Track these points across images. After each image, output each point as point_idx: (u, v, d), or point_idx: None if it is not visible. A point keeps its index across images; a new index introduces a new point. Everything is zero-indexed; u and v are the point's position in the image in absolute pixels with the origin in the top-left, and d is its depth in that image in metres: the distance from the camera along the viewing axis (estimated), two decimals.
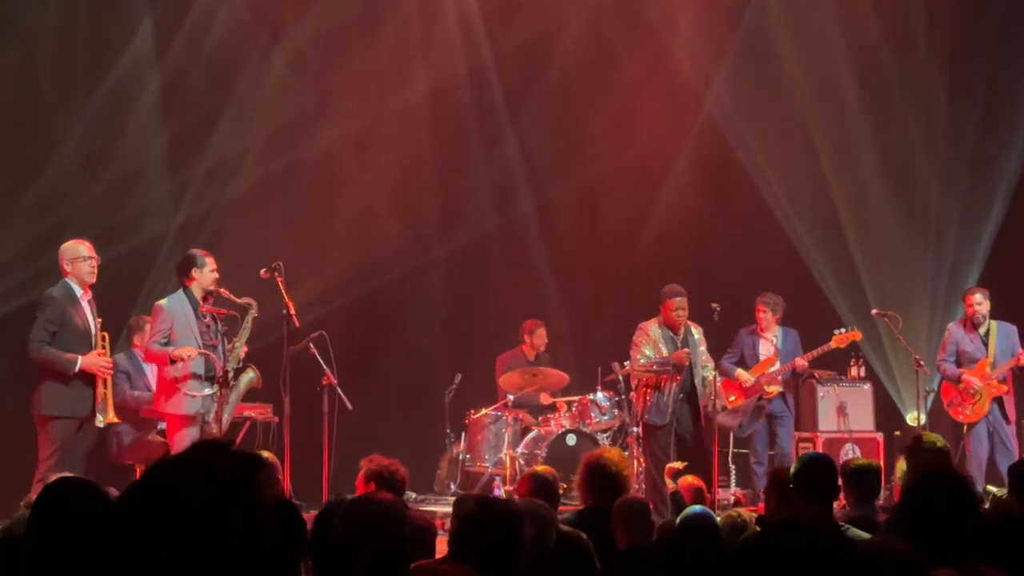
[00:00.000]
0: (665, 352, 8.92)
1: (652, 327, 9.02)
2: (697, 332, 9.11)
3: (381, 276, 11.12)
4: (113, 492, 7.35)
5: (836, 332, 9.90)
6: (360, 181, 11.06)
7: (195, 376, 7.66)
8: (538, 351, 10.84)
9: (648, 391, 8.96)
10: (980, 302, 9.60)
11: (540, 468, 5.91)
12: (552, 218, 11.97)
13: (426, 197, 11.37)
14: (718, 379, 9.11)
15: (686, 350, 8.90)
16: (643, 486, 8.92)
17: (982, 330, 9.63)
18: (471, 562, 3.37)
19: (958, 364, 9.66)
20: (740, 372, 9.83)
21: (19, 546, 3.33)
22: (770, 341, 9.89)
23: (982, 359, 9.55)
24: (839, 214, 11.74)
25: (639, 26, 11.65)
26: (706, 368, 9.05)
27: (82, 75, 10.01)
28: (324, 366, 8.38)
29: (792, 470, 4.75)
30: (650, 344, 8.96)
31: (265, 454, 5.42)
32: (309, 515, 4.05)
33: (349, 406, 8.43)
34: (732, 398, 9.86)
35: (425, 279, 11.54)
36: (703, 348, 9.10)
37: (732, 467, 10.38)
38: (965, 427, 9.54)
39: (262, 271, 8.13)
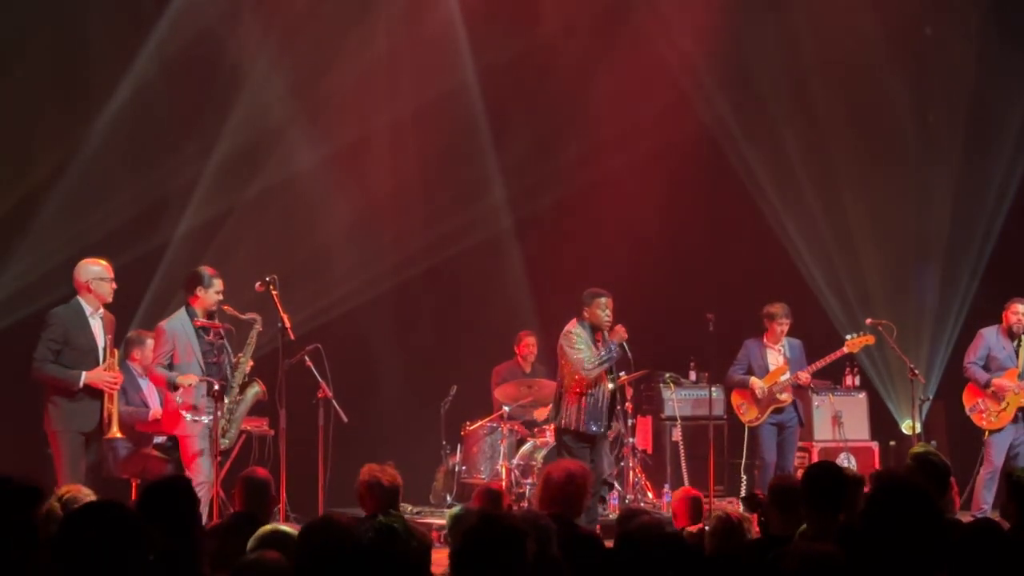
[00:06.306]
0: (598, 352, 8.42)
1: (577, 328, 8.46)
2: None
3: (375, 288, 11.12)
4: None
5: (848, 337, 9.83)
6: (353, 195, 11.07)
7: (195, 407, 7.69)
8: (530, 360, 10.84)
9: (582, 397, 8.40)
10: (1021, 312, 9.57)
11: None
12: (546, 228, 11.98)
13: (418, 209, 11.38)
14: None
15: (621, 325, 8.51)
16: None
17: (1015, 342, 9.61)
18: None
19: (986, 369, 9.61)
20: (754, 380, 9.68)
21: None
22: (778, 351, 9.81)
23: (1012, 368, 9.53)
24: (832, 221, 11.77)
25: (627, 33, 11.67)
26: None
27: (83, 90, 10.02)
28: (319, 379, 8.36)
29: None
30: (584, 342, 8.42)
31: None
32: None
33: (345, 419, 8.42)
34: (742, 407, 9.84)
35: (420, 291, 11.55)
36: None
37: (743, 477, 10.29)
38: (986, 433, 9.53)
39: (257, 284, 8.12)
